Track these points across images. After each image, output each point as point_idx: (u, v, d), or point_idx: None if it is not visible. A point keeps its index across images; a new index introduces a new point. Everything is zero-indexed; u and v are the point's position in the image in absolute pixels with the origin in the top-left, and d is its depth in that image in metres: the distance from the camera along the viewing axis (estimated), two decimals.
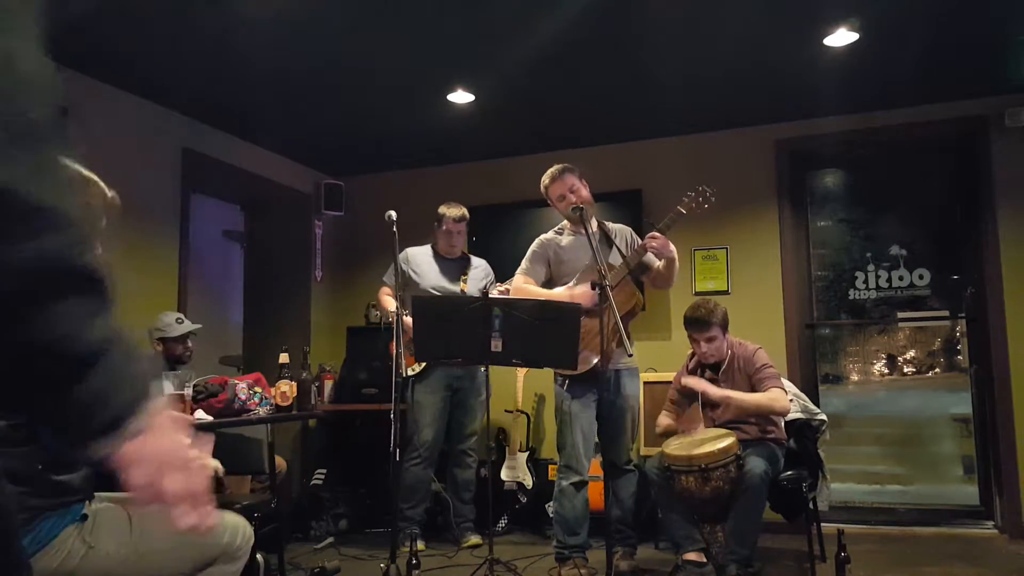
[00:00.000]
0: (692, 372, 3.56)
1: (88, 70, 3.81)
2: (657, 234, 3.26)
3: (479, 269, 4.39)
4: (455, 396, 4.22)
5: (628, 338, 2.92)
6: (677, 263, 3.41)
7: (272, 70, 3.86)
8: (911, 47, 3.72)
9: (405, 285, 4.25)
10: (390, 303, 4.20)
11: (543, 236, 3.60)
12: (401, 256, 4.32)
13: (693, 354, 3.61)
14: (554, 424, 3.55)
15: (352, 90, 4.15)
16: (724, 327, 3.45)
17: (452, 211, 4.27)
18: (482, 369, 4.15)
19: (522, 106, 4.44)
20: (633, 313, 3.43)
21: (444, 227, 4.26)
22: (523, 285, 3.48)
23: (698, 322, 3.43)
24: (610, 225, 3.59)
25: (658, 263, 3.45)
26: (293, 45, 3.59)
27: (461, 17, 3.34)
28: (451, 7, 3.25)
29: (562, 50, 3.66)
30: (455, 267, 4.32)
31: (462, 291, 4.22)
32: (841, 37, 3.56)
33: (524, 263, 3.56)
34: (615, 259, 3.41)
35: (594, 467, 4.25)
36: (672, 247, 3.29)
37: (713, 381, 3.45)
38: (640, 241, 3.44)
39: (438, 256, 4.33)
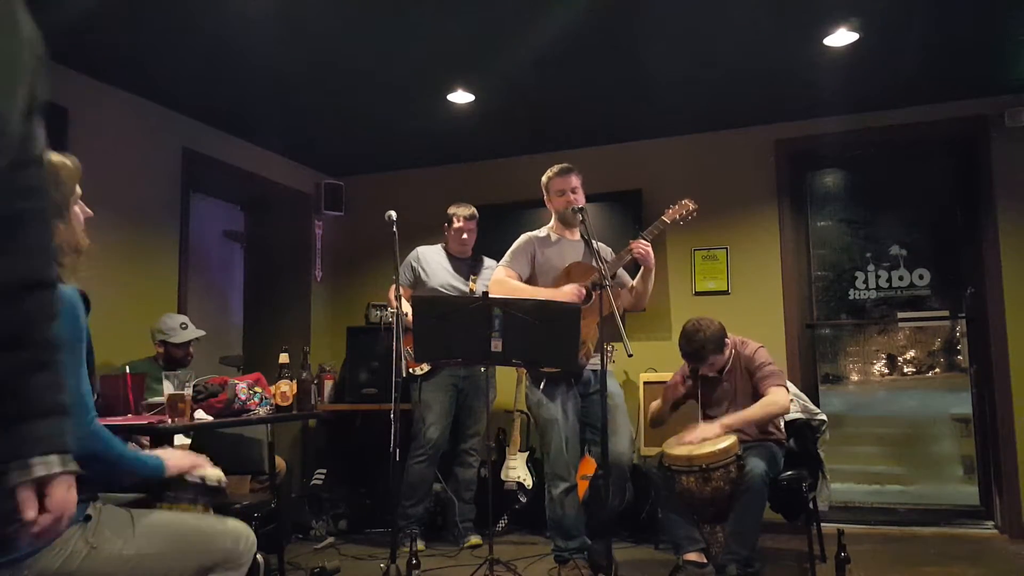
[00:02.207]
0: (691, 375, 3.56)
1: (88, 70, 3.81)
2: (644, 241, 3.27)
3: (491, 270, 4.39)
4: (460, 396, 4.23)
5: (613, 342, 2.92)
6: (652, 281, 3.42)
7: (272, 70, 3.86)
8: (911, 47, 3.72)
9: (415, 284, 4.26)
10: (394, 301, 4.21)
11: (530, 233, 3.60)
12: (412, 255, 4.33)
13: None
14: None
15: (352, 90, 4.15)
16: (720, 346, 3.40)
17: (463, 210, 4.28)
18: (482, 369, 4.15)
19: (522, 106, 4.44)
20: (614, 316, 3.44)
21: (455, 226, 4.27)
22: (504, 277, 3.45)
23: (694, 356, 3.41)
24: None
25: (630, 282, 3.46)
26: (293, 45, 3.59)
27: (461, 17, 3.34)
28: (451, 7, 3.25)
29: (562, 50, 3.66)
30: (466, 266, 4.33)
31: (471, 291, 4.22)
32: (841, 37, 3.56)
33: (508, 256, 3.55)
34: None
35: (591, 467, 4.25)
36: (652, 258, 3.31)
37: (716, 380, 3.45)
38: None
39: (449, 256, 4.34)
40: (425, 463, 4.10)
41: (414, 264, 4.31)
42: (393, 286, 4.27)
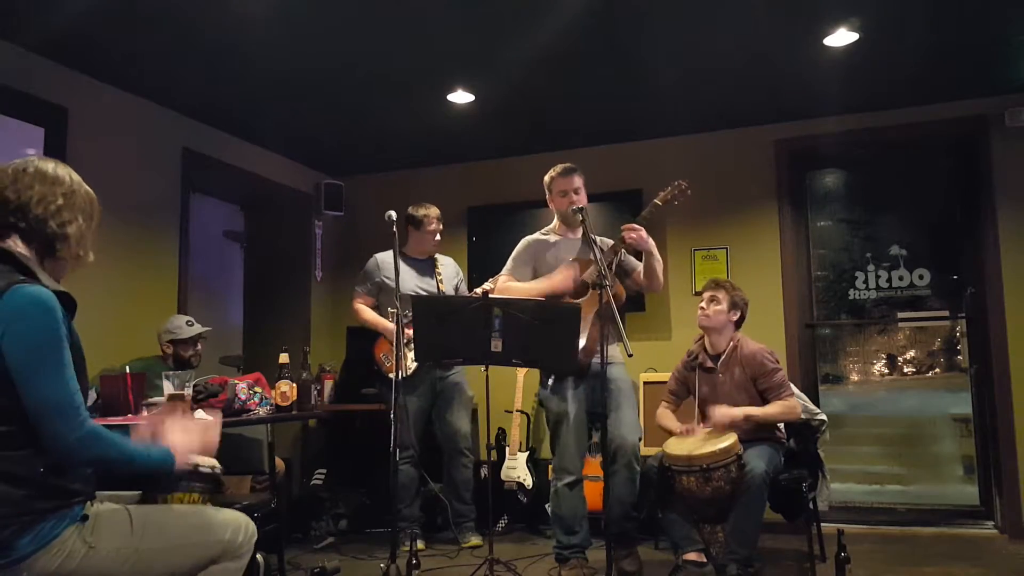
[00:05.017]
0: (692, 357, 3.56)
1: (88, 70, 3.81)
2: (635, 225, 3.26)
3: (448, 267, 4.39)
4: (441, 396, 4.21)
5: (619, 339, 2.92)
6: (661, 263, 3.41)
7: (272, 70, 3.86)
8: (911, 47, 3.72)
9: (380, 291, 4.22)
10: (366, 311, 4.20)
11: (530, 237, 3.60)
12: (371, 264, 4.27)
13: (699, 338, 3.61)
14: None
15: (352, 90, 4.15)
16: (734, 304, 3.46)
17: (433, 210, 4.25)
18: (460, 368, 4.16)
19: (522, 106, 4.44)
20: (617, 302, 3.43)
21: (429, 228, 4.23)
22: (506, 284, 3.48)
23: (710, 282, 3.53)
24: (596, 237, 3.58)
25: (639, 266, 3.46)
26: (293, 45, 3.59)
27: (461, 17, 3.34)
28: (451, 7, 3.25)
29: (562, 50, 3.66)
30: (426, 267, 4.30)
31: (439, 290, 4.21)
32: (841, 37, 3.56)
33: (509, 263, 3.56)
34: None
35: (595, 467, 4.26)
36: (650, 241, 3.29)
37: (711, 371, 3.45)
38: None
39: (407, 258, 4.27)
40: (408, 464, 4.10)
41: (375, 275, 4.23)
42: (358, 296, 4.27)
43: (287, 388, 3.06)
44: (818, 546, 3.59)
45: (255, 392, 2.99)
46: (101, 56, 3.67)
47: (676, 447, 3.24)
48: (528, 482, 4.56)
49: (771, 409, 3.30)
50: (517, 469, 4.60)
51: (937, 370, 4.78)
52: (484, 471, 4.43)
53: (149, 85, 4.04)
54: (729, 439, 3.15)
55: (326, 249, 5.62)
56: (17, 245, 1.69)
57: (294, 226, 5.47)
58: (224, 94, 4.18)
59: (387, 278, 4.19)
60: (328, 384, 4.81)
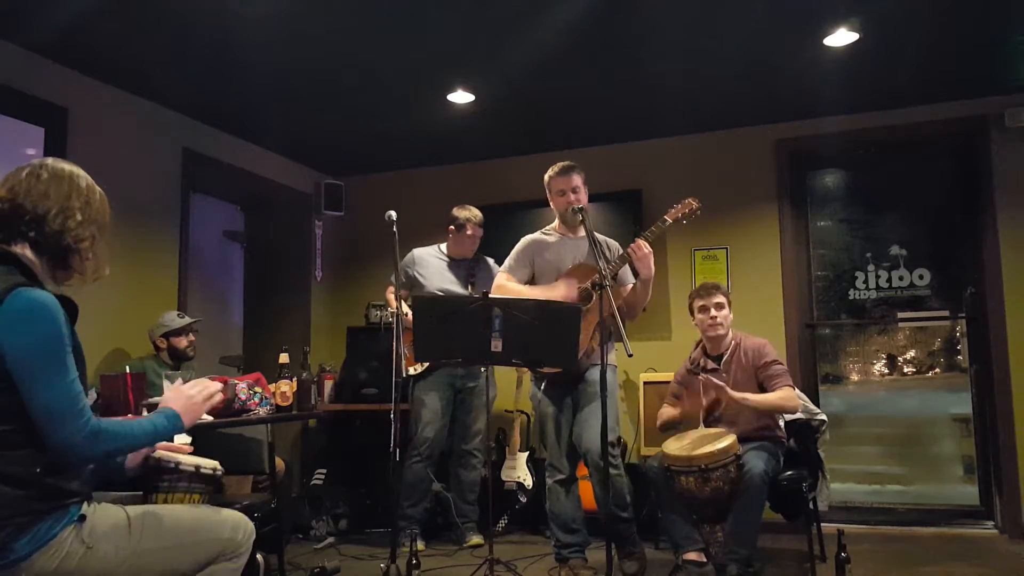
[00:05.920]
0: (695, 364, 3.56)
1: (88, 70, 3.81)
2: (644, 244, 3.20)
3: (489, 268, 4.37)
4: (458, 396, 4.22)
5: (619, 339, 2.91)
6: (650, 291, 3.35)
7: (272, 70, 3.86)
8: (911, 47, 3.73)
9: (411, 286, 4.24)
10: (392, 300, 4.20)
11: (529, 236, 3.58)
12: (407, 258, 4.30)
13: (697, 344, 3.61)
14: None
15: (352, 90, 4.15)
16: (729, 303, 3.52)
17: (476, 213, 4.26)
18: (483, 369, 4.15)
19: (522, 106, 4.44)
20: (618, 313, 3.42)
21: (468, 232, 4.23)
22: (504, 283, 3.47)
23: (706, 288, 3.53)
24: (598, 235, 3.55)
25: (630, 282, 3.44)
26: (293, 45, 3.59)
27: (461, 17, 3.34)
28: (451, 7, 3.25)
29: (562, 50, 3.66)
30: (464, 268, 4.30)
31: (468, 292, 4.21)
32: (841, 37, 3.56)
33: (508, 261, 3.55)
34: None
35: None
36: (651, 267, 3.23)
37: (715, 371, 3.45)
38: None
39: (447, 258, 4.31)
40: (422, 463, 4.10)
41: (408, 269, 4.26)
42: (391, 286, 4.28)
43: (287, 388, 3.06)
44: (818, 546, 3.59)
45: (255, 392, 2.99)
46: (101, 56, 3.68)
47: (675, 447, 3.24)
48: (528, 482, 4.56)
49: (770, 396, 3.31)
50: (517, 469, 4.60)
51: (937, 370, 4.78)
52: (484, 471, 4.43)
53: (149, 85, 4.04)
54: (728, 439, 3.15)
55: (326, 249, 5.62)
56: (24, 250, 1.68)
57: (294, 226, 5.48)
58: (224, 94, 4.18)
59: (419, 273, 4.23)
60: (328, 384, 4.82)
